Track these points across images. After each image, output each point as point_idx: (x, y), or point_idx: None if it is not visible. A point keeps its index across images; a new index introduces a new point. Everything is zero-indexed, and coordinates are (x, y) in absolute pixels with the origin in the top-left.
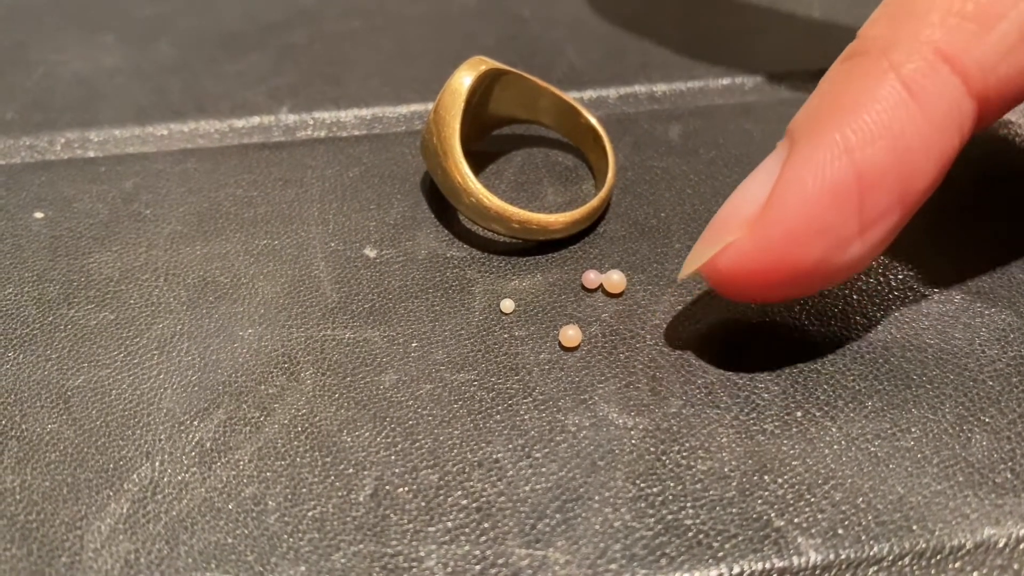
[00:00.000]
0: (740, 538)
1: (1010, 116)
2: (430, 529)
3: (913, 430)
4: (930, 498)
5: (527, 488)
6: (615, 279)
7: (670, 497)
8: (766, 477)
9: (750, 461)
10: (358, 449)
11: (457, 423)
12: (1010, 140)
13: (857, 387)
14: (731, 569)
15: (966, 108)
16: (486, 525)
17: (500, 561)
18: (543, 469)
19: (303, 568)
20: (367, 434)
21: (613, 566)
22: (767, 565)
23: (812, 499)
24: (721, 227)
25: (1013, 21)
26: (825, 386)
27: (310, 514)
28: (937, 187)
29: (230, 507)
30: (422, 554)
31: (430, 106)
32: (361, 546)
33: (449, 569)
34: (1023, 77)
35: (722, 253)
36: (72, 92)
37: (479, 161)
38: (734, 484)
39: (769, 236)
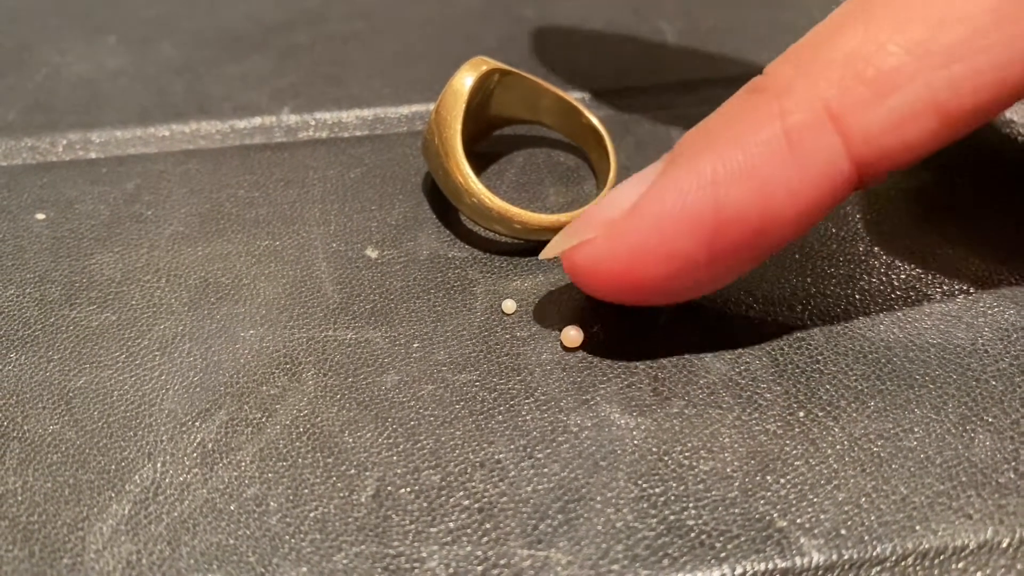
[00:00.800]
0: (743, 538)
1: (1011, 116)
2: (432, 530)
3: (916, 430)
4: (933, 498)
5: (529, 489)
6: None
7: (672, 497)
8: (768, 477)
9: (752, 461)
10: (360, 450)
11: (459, 424)
12: (1012, 140)
13: (860, 387)
14: (734, 570)
15: (843, 168)
16: (488, 526)
17: (502, 562)
18: (545, 469)
19: (305, 569)
20: (369, 435)
21: (615, 567)
22: (770, 566)
23: (815, 499)
24: (585, 223)
25: (907, 95)
26: (827, 386)
27: (312, 515)
28: (798, 238)
29: (232, 508)
30: (424, 555)
31: (432, 107)
32: (363, 547)
33: (451, 570)
34: (904, 152)
35: (578, 247)
36: (74, 93)
37: (481, 161)
38: (736, 484)
39: (620, 244)
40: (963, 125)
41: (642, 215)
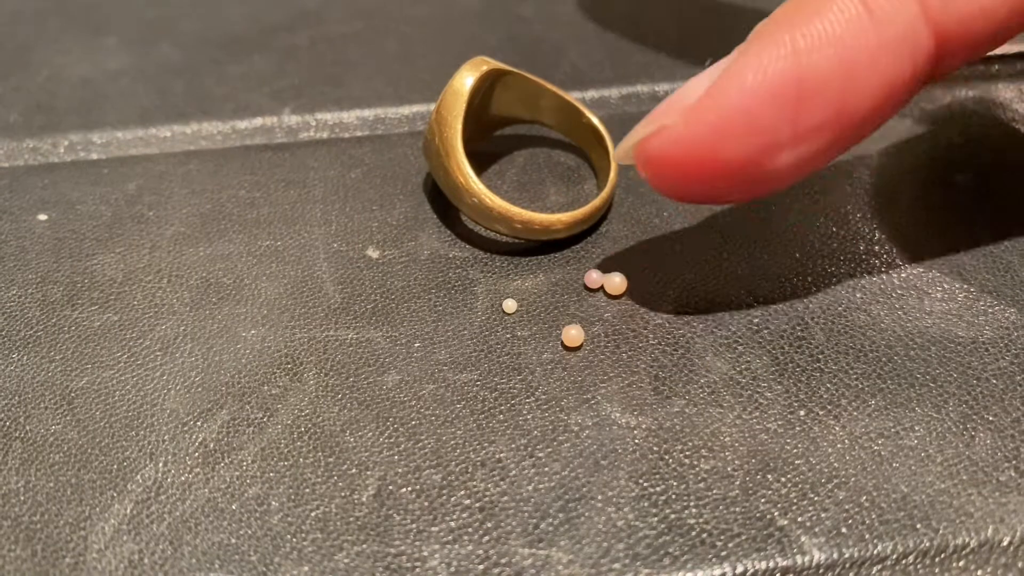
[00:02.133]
0: (743, 537)
1: (1013, 117)
2: (433, 529)
3: (917, 428)
4: (934, 496)
5: (530, 488)
6: (616, 281)
7: (673, 496)
8: (769, 476)
9: (753, 460)
10: (361, 449)
11: (460, 423)
12: (1013, 138)
13: (860, 386)
14: (734, 568)
15: (922, 38)
16: (489, 525)
17: (503, 561)
18: (546, 469)
19: (306, 568)
20: (370, 434)
21: (616, 565)
22: (771, 564)
23: (816, 498)
24: (660, 111)
25: None
26: (828, 385)
27: (313, 514)
28: (880, 124)
29: (233, 507)
30: (425, 554)
31: (432, 107)
32: (364, 546)
33: (452, 569)
34: (983, 19)
35: (655, 135)
36: (75, 94)
37: (481, 161)
38: (737, 483)
39: (701, 125)
40: None
41: (722, 92)
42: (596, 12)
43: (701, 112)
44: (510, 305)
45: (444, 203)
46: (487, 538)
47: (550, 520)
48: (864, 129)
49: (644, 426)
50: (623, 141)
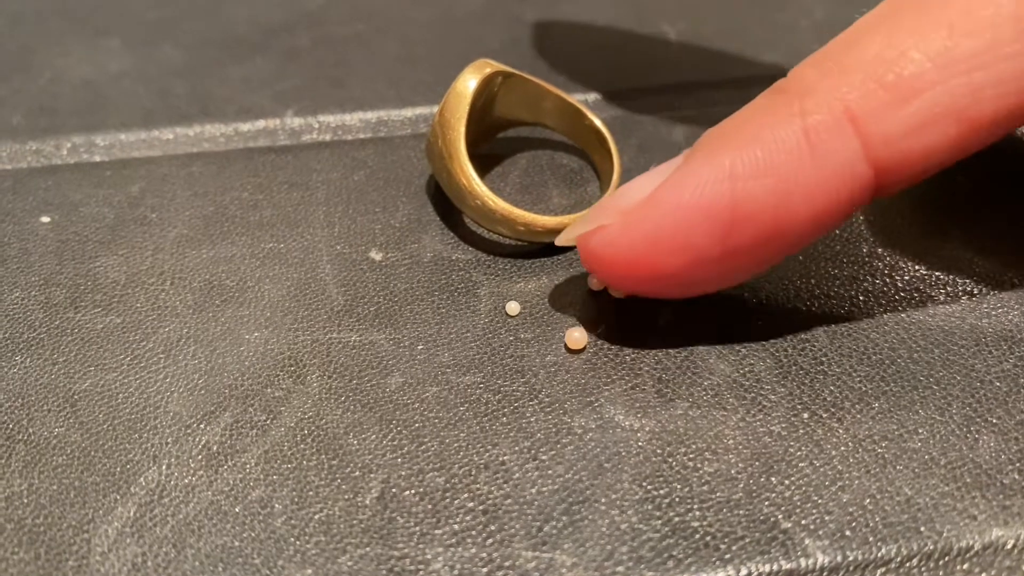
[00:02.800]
0: (747, 540)
1: None
2: (437, 532)
3: (920, 431)
4: (938, 499)
5: (533, 490)
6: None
7: (677, 499)
8: (773, 479)
9: (757, 463)
10: (364, 452)
11: (463, 425)
12: (1016, 141)
13: (864, 388)
14: (738, 571)
15: (860, 172)
16: (493, 528)
17: (507, 564)
18: (549, 471)
19: (310, 571)
20: (373, 437)
21: (620, 568)
22: (774, 567)
23: (819, 501)
24: (602, 209)
25: (927, 101)
26: (832, 387)
27: (317, 517)
28: (812, 242)
29: (237, 510)
30: (429, 557)
31: (435, 109)
32: (368, 549)
33: (456, 572)
34: (923, 159)
35: (594, 233)
36: (78, 96)
37: (484, 164)
38: (741, 486)
39: (635, 232)
40: (983, 133)
41: (658, 204)
42: (598, 14)
43: (637, 220)
44: (513, 307)
45: (447, 205)
46: (491, 541)
47: (554, 523)
48: (795, 248)
49: (648, 429)
50: (565, 231)
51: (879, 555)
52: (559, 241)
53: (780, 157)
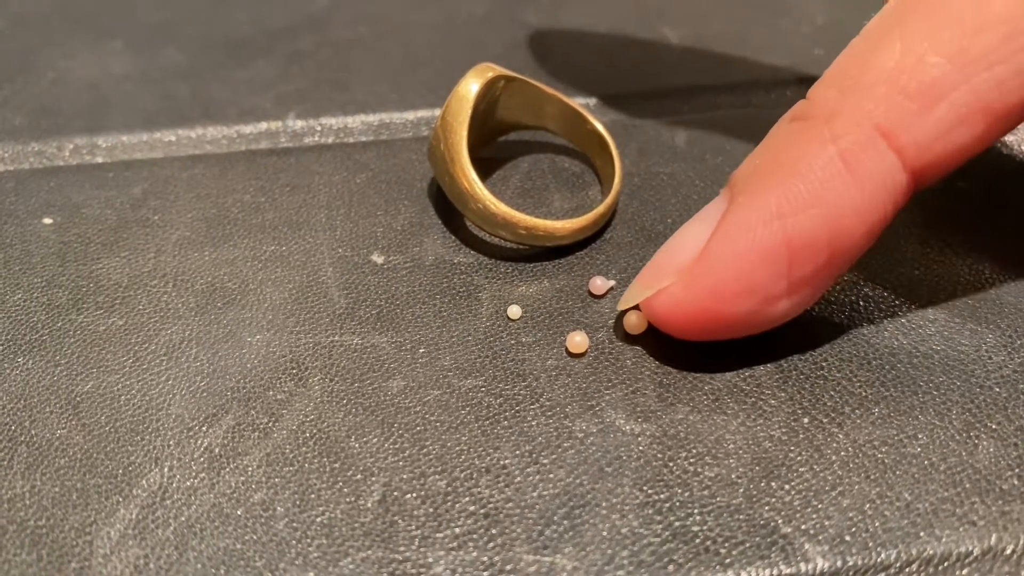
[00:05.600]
0: (747, 544)
1: None
2: (438, 535)
3: (920, 436)
4: (937, 504)
5: (534, 494)
6: (634, 321)
7: (677, 503)
8: (773, 483)
9: (757, 467)
10: (366, 455)
11: (464, 429)
12: (1016, 146)
13: (864, 393)
14: (738, 575)
15: (900, 180)
16: (494, 531)
17: (508, 567)
18: (550, 475)
19: (311, 574)
20: (375, 440)
21: (621, 572)
22: (774, 572)
23: (819, 506)
24: (658, 271)
25: (952, 103)
26: (832, 392)
27: (318, 520)
28: (868, 247)
29: (239, 513)
30: (430, 560)
31: (437, 112)
32: (369, 552)
33: (457, 575)
34: (957, 155)
35: (656, 296)
36: (80, 98)
37: (486, 167)
38: (741, 490)
39: (699, 287)
40: (1013, 121)
41: (715, 257)
42: (599, 18)
43: (697, 276)
44: (514, 311)
45: (449, 209)
46: (492, 544)
47: (555, 527)
48: (854, 261)
49: (648, 433)
50: (624, 298)
51: (879, 560)
52: (621, 306)
53: (822, 186)
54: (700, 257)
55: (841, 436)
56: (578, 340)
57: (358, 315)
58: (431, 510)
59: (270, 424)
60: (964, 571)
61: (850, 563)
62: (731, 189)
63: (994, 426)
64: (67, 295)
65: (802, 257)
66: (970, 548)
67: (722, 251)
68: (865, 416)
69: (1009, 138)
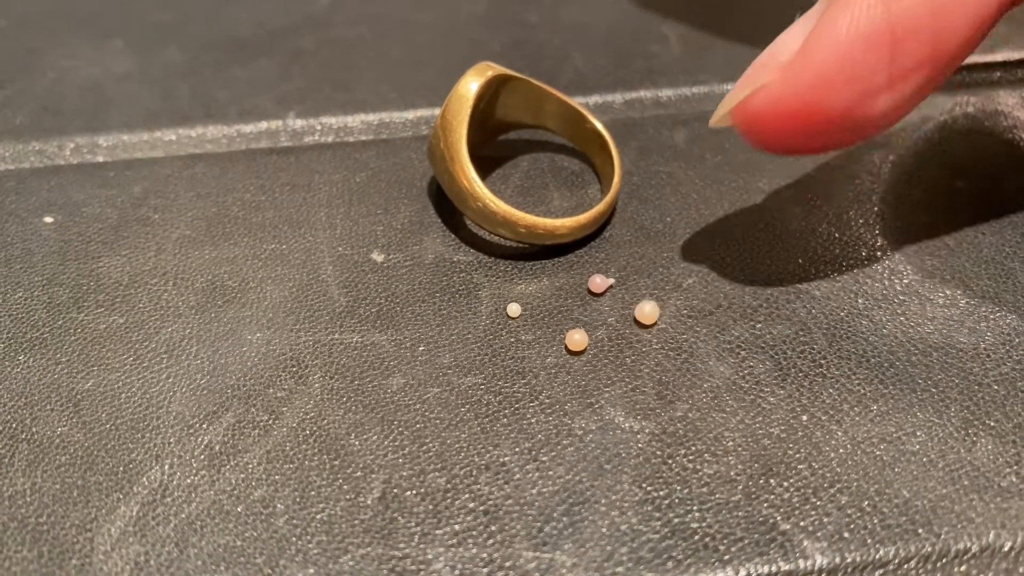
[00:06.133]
0: (746, 541)
1: (1014, 124)
2: (438, 532)
3: (918, 434)
4: (935, 502)
5: (534, 491)
6: (647, 310)
7: (676, 500)
8: (772, 480)
9: (756, 465)
10: (366, 452)
11: (464, 426)
12: (1014, 144)
13: (862, 391)
14: (737, 572)
15: None
16: (493, 528)
17: (507, 564)
18: (550, 472)
19: (312, 571)
20: (375, 437)
21: (620, 569)
22: (773, 568)
23: (818, 503)
24: (756, 72)
25: None
26: (831, 390)
27: (318, 517)
28: (970, 51)
29: (239, 510)
30: (430, 557)
31: (437, 111)
32: (369, 549)
33: (457, 572)
34: None
35: (754, 96)
36: (81, 97)
37: (486, 166)
38: (740, 488)
39: (800, 80)
40: None
41: (818, 46)
42: (599, 17)
43: (798, 68)
44: (514, 309)
45: (448, 207)
46: (491, 541)
47: (554, 524)
48: (957, 60)
49: (647, 430)
50: (720, 107)
51: (877, 557)
52: (713, 122)
53: None
54: (801, 50)
55: (840, 433)
56: (577, 338)
57: (358, 313)
58: (431, 507)
59: (270, 422)
60: (962, 568)
61: (848, 560)
62: None
63: (992, 423)
64: (68, 293)
65: (905, 45)
66: (968, 545)
67: (824, 40)
68: (864, 413)
69: (1008, 136)
